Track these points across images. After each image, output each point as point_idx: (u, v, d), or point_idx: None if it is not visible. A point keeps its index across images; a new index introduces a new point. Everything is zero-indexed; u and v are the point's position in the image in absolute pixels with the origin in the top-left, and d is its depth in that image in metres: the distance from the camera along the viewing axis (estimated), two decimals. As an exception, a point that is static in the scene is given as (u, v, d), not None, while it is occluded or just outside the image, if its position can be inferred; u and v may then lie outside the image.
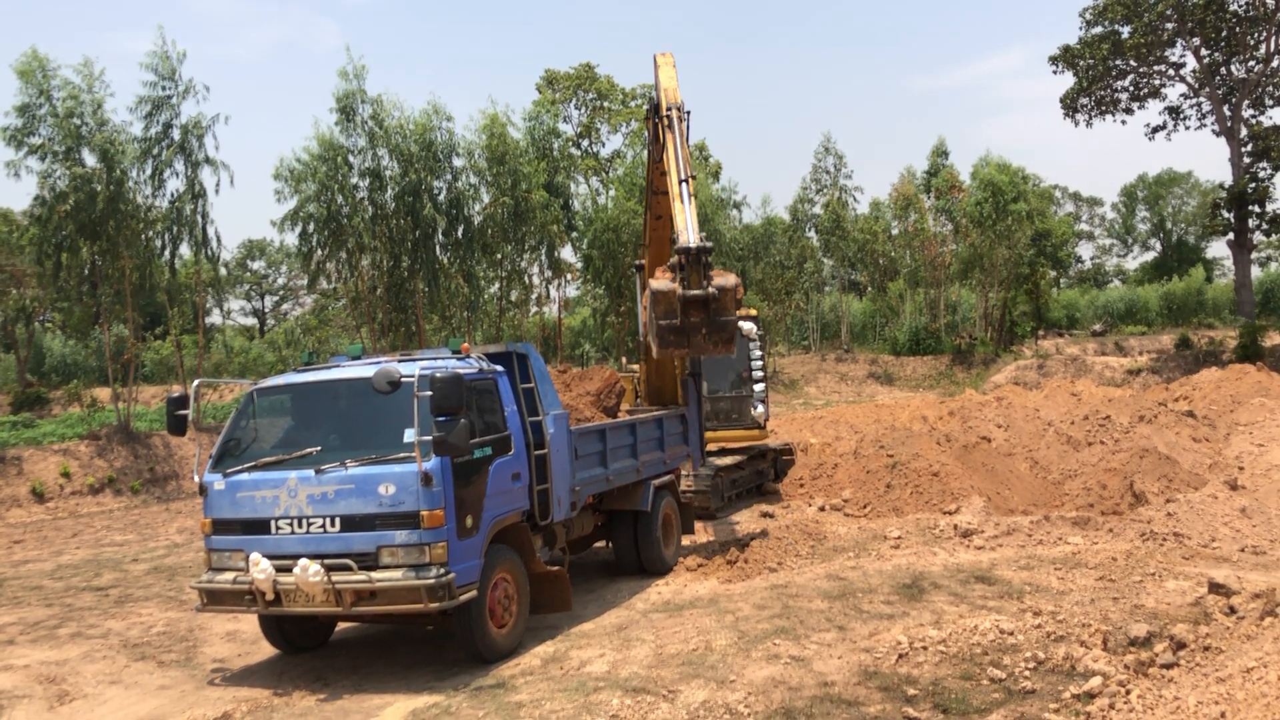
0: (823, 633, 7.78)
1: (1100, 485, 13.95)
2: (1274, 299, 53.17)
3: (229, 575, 8.01)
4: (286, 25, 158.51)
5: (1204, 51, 43.40)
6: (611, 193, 40.71)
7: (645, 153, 12.30)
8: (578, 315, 51.91)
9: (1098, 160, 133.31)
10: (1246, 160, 42.47)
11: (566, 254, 37.50)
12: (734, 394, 16.45)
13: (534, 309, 39.00)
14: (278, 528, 7.82)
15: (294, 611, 7.87)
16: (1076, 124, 48.19)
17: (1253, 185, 41.93)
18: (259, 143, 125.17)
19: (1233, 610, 7.18)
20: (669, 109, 11.15)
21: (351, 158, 28.08)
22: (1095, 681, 6.48)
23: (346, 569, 7.59)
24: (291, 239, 29.43)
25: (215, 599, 8.10)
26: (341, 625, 9.64)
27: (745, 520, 14.65)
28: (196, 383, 11.34)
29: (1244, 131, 42.75)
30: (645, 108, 11.25)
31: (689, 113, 11.41)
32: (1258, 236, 44.16)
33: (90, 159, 23.37)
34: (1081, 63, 44.76)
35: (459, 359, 8.66)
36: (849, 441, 20.03)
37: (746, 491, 16.66)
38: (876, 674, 6.89)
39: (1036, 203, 52.91)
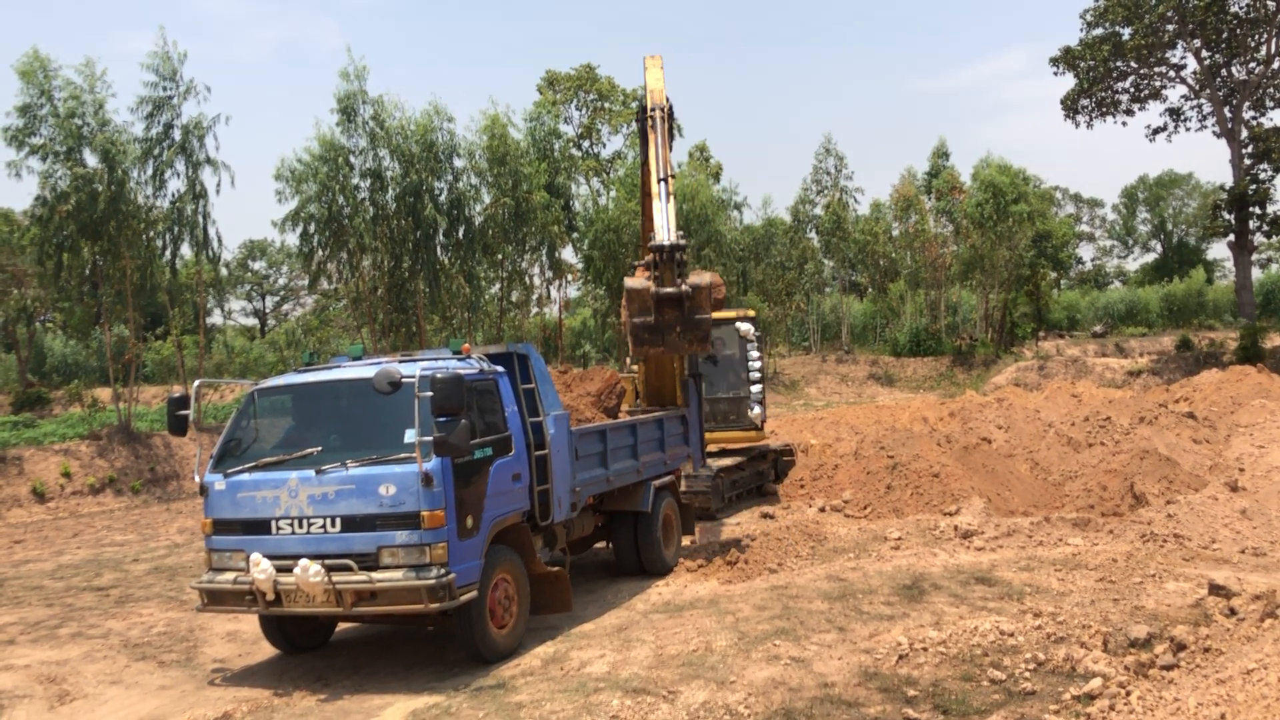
0: (823, 634, 7.78)
1: (1101, 487, 13.94)
2: (1275, 300, 53.17)
3: (229, 575, 8.01)
4: (288, 25, 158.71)
5: (1205, 53, 43.42)
6: (612, 193, 40.74)
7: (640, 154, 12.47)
8: (578, 316, 51.92)
9: (1098, 162, 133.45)
10: (1247, 162, 42.49)
11: (567, 255, 37.56)
12: (731, 395, 16.44)
13: (535, 310, 39.03)
14: (278, 528, 7.83)
15: (294, 612, 7.88)
16: (1077, 125, 48.25)
17: (1253, 187, 41.94)
18: (260, 143, 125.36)
19: (1233, 612, 7.19)
20: (652, 109, 11.27)
21: (352, 158, 28.09)
22: (1095, 683, 6.48)
23: (347, 569, 7.59)
24: (292, 239, 29.43)
25: (216, 599, 8.11)
26: (342, 625, 9.64)
27: (745, 521, 14.65)
28: (197, 383, 11.35)
29: (1244, 133, 42.77)
30: (636, 109, 11.48)
31: (673, 113, 11.61)
32: (1258, 238, 44.19)
33: (91, 159, 23.40)
34: (1082, 64, 44.79)
35: (460, 359, 8.66)
36: (849, 443, 20.03)
37: (747, 492, 16.66)
38: (877, 675, 6.90)
39: (1037, 204, 52.92)
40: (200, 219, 26.01)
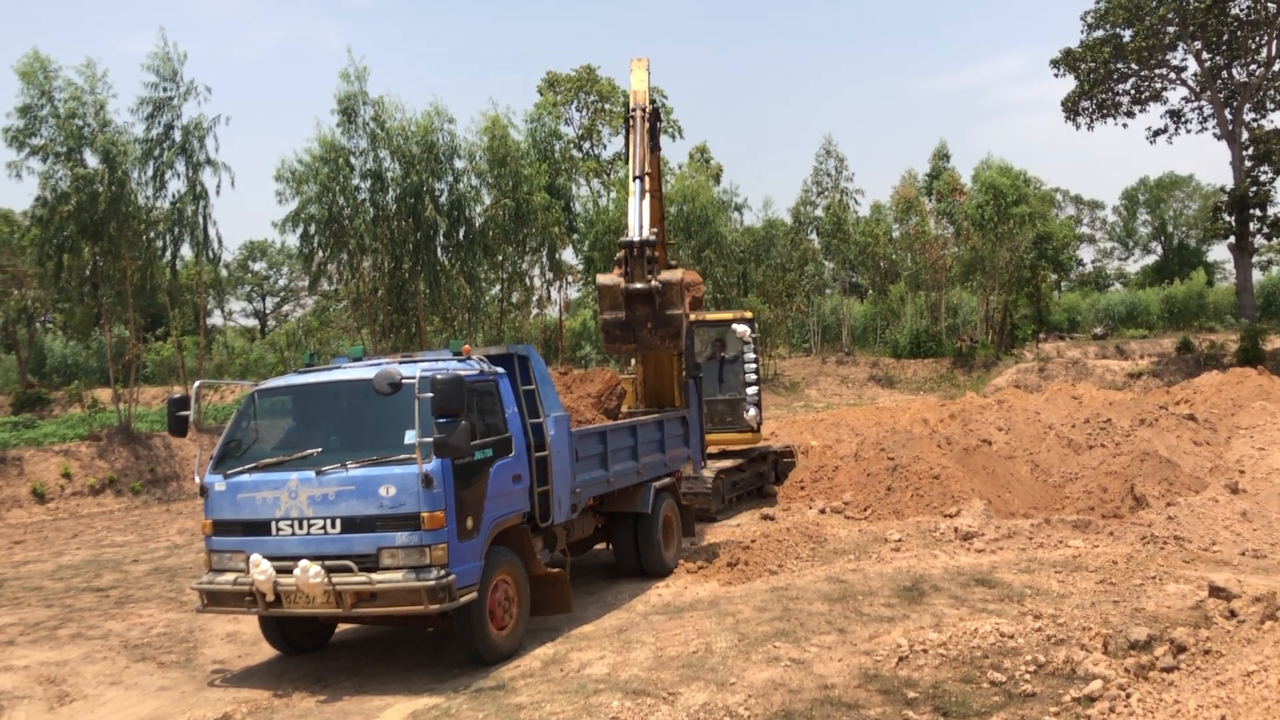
0: (823, 635, 7.78)
1: (1101, 488, 13.94)
2: (1275, 302, 53.15)
3: (229, 576, 8.01)
4: (289, 26, 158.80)
5: (1205, 55, 43.43)
6: (613, 195, 40.73)
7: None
8: (579, 317, 51.91)
9: (1099, 163, 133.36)
10: (1248, 164, 42.50)
11: (568, 256, 37.56)
12: (728, 397, 16.44)
13: (535, 311, 39.03)
14: (278, 529, 7.83)
15: (294, 613, 7.88)
16: (1078, 127, 48.24)
17: (1254, 189, 41.95)
18: (261, 144, 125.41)
19: (1233, 614, 7.19)
20: (633, 109, 11.39)
21: (353, 159, 28.09)
22: (1096, 685, 6.48)
23: (347, 570, 7.59)
24: (293, 240, 29.43)
25: (216, 600, 8.11)
26: (342, 627, 9.63)
27: (746, 523, 14.65)
28: (197, 384, 11.36)
29: (1245, 135, 42.77)
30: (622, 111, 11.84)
31: (659, 115, 11.89)
32: (1259, 240, 44.20)
33: (92, 160, 23.39)
34: (1083, 66, 44.80)
35: (460, 361, 8.66)
36: (849, 444, 20.02)
37: (747, 494, 16.66)
38: (877, 677, 6.89)
39: (1038, 206, 52.91)
40: (200, 220, 26.01)
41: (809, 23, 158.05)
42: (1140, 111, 46.51)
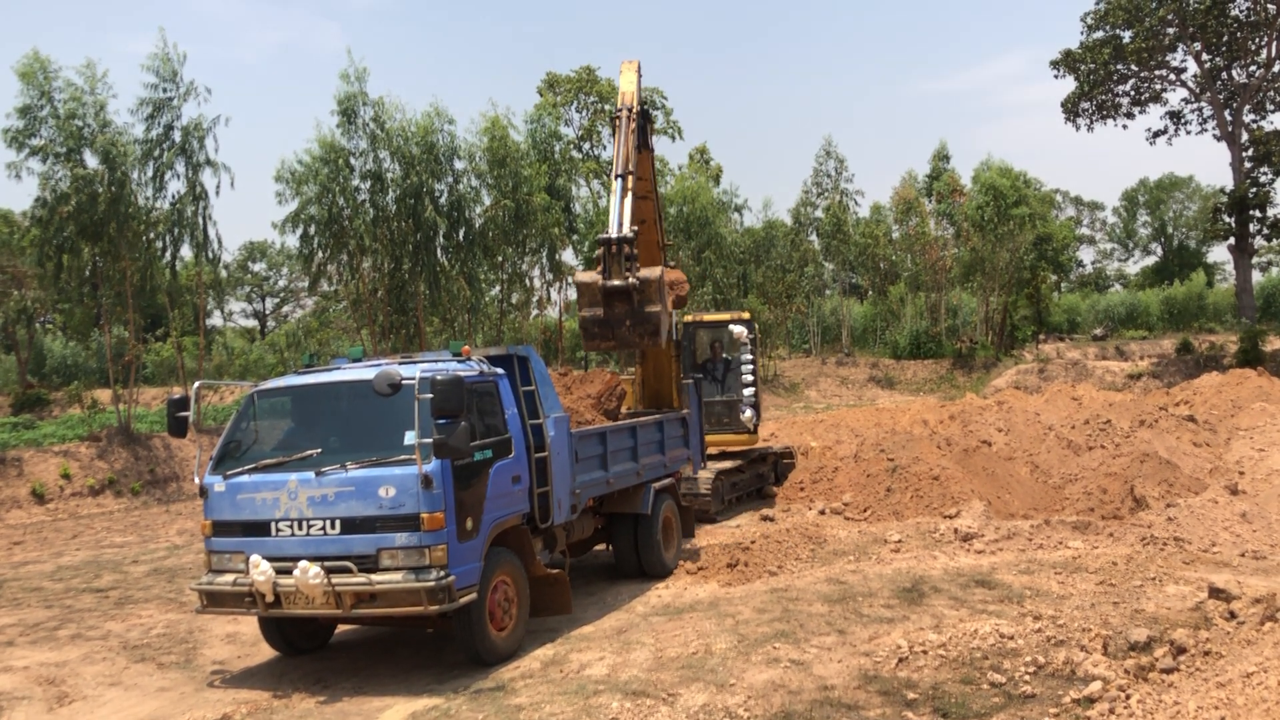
0: (823, 636, 7.78)
1: (1101, 490, 13.94)
2: (1275, 304, 53.16)
3: (229, 577, 8.01)
4: (289, 27, 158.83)
5: (1205, 56, 43.43)
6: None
7: None
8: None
9: (1099, 164, 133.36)
10: (1247, 165, 42.49)
11: (568, 257, 37.51)
12: (725, 398, 16.44)
13: (535, 312, 39.02)
14: (278, 530, 7.83)
15: (294, 614, 7.87)
16: (1078, 128, 48.23)
17: (1254, 190, 41.95)
18: (261, 144, 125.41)
19: (1233, 615, 7.19)
20: (619, 110, 11.48)
21: (353, 160, 28.08)
22: (1095, 686, 6.48)
23: (346, 571, 7.59)
24: (292, 241, 29.41)
25: (215, 601, 8.11)
26: (341, 627, 9.63)
27: (745, 524, 14.65)
28: (197, 384, 11.36)
29: (1245, 136, 42.77)
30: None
31: (648, 116, 12.10)
32: (1259, 241, 44.18)
33: (92, 160, 23.38)
34: (1083, 67, 44.80)
35: (460, 361, 8.66)
36: (849, 445, 20.02)
37: (747, 495, 16.65)
38: (876, 678, 6.89)
39: (1038, 207, 52.92)
40: (200, 220, 26.00)
41: (809, 23, 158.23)
42: (1140, 113, 46.54)
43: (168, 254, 26.24)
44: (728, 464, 15.77)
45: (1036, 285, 48.64)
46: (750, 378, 16.26)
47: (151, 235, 25.25)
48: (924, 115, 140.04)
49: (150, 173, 25.08)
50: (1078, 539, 10.85)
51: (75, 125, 22.97)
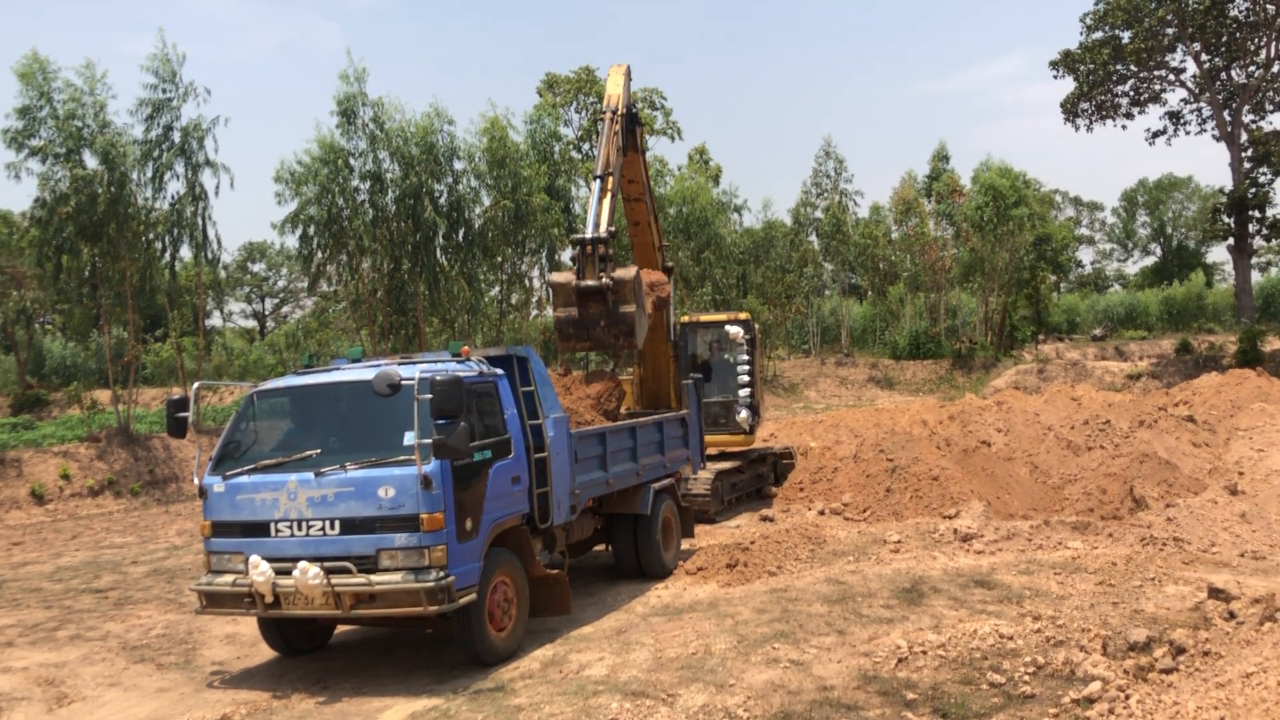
0: (822, 637, 7.78)
1: (1100, 490, 13.94)
2: (1274, 304, 53.18)
3: (228, 578, 8.01)
4: (289, 27, 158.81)
5: (1204, 57, 43.44)
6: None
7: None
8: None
9: (1098, 165, 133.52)
10: (1247, 165, 42.50)
11: (567, 257, 37.51)
12: (722, 399, 16.45)
13: (535, 312, 39.00)
14: (277, 530, 7.83)
15: (293, 614, 7.87)
16: (1077, 129, 48.21)
17: (1253, 190, 41.95)
18: (260, 145, 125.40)
19: (1232, 615, 7.19)
20: (604, 111, 11.57)
21: (352, 160, 28.06)
22: (1095, 686, 6.48)
23: (346, 572, 7.59)
24: (292, 241, 29.38)
25: (214, 601, 8.11)
26: (341, 628, 9.63)
27: (745, 524, 14.65)
28: (196, 385, 11.36)
29: (1244, 136, 42.78)
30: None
31: (637, 119, 12.30)
32: (1258, 241, 44.19)
33: (91, 161, 23.38)
34: (1082, 68, 44.80)
35: (459, 362, 8.66)
36: (849, 445, 20.02)
37: (746, 495, 16.65)
38: (876, 678, 6.89)
39: (1037, 207, 52.94)
40: (200, 221, 26.01)
41: (809, 24, 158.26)
42: (1139, 113, 46.54)
43: (167, 254, 26.26)
44: (727, 464, 15.77)
45: (1036, 285, 48.64)
46: (746, 378, 16.25)
47: (151, 236, 25.25)
48: (923, 115, 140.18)
49: (150, 173, 25.09)
50: (1077, 539, 10.85)
51: (74, 126, 22.97)
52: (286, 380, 8.85)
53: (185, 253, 27.11)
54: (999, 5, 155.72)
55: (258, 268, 71.05)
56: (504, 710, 6.75)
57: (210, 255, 26.82)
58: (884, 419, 26.77)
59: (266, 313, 72.31)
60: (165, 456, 23.20)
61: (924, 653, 7.19)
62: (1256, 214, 42.16)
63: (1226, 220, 42.75)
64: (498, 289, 34.19)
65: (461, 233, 30.30)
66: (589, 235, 10.61)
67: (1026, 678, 6.79)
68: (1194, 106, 45.81)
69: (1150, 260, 77.82)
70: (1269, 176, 42.24)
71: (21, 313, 37.50)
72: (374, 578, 7.54)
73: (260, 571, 7.66)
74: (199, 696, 8.05)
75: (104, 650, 9.49)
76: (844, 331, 51.21)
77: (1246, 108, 43.19)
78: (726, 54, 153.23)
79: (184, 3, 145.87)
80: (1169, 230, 77.34)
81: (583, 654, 7.99)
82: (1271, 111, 44.06)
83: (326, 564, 7.60)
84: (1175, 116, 46.63)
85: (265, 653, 9.16)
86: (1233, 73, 43.90)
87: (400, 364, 8.37)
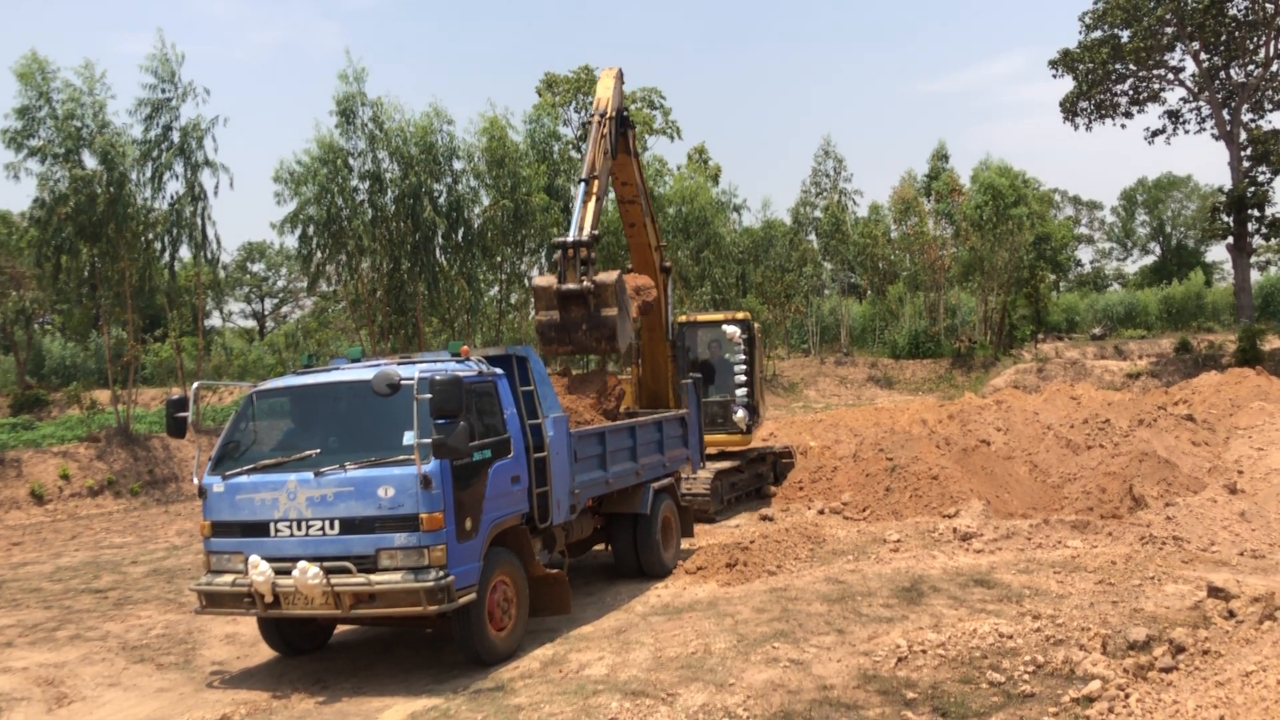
0: (822, 636, 7.78)
1: (1099, 489, 13.95)
2: (1273, 303, 53.22)
3: (228, 578, 8.01)
4: (288, 27, 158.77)
5: (1203, 56, 43.46)
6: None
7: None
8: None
9: (1097, 164, 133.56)
10: (1246, 164, 42.52)
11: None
12: (720, 398, 16.45)
13: (534, 312, 38.96)
14: (277, 530, 7.82)
15: (293, 614, 7.87)
16: (1076, 128, 48.24)
17: (1252, 189, 41.97)
18: (259, 145, 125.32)
19: (1232, 614, 7.19)
20: (593, 114, 11.62)
21: (351, 160, 28.05)
22: (1094, 685, 6.48)
23: (345, 571, 7.59)
24: (291, 241, 29.46)
25: (214, 601, 8.10)
26: (340, 628, 9.63)
27: (744, 523, 14.65)
28: (196, 385, 11.34)
29: (1243, 135, 42.80)
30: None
31: (629, 123, 12.32)
32: (1257, 240, 44.23)
33: (90, 161, 23.37)
34: (1081, 67, 44.81)
35: (458, 362, 8.65)
36: (848, 445, 20.02)
37: (746, 495, 16.65)
38: (875, 677, 6.89)
39: (1036, 206, 52.94)
40: (199, 221, 25.99)
41: (808, 24, 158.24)
42: (1138, 112, 46.57)
43: (166, 254, 26.24)
44: (726, 464, 15.77)
45: (1035, 285, 48.68)
46: (744, 378, 16.25)
47: (150, 236, 25.24)
48: (923, 115, 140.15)
49: (149, 173, 25.07)
50: (1076, 538, 10.85)
51: (74, 126, 22.95)
52: (286, 380, 8.85)
53: (185, 253, 27.12)
54: (998, 5, 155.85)
55: (257, 268, 71.07)
56: (504, 710, 6.75)
57: (209, 255, 26.82)
58: (883, 418, 26.78)
59: (266, 313, 72.31)
60: (165, 456, 23.19)
61: (924, 652, 7.20)
62: (1255, 213, 42.18)
63: (1225, 219, 42.78)
64: (497, 289, 34.19)
65: (461, 233, 30.29)
66: (570, 239, 10.61)
67: (1026, 677, 6.79)
68: (1193, 105, 45.87)
69: (1149, 259, 77.92)
70: (1268, 175, 42.27)
71: (21, 313, 37.48)
72: (374, 577, 7.54)
73: (260, 571, 7.66)
74: (199, 696, 8.05)
75: (104, 650, 9.49)
76: (843, 331, 51.22)
77: (1245, 107, 43.22)
78: (726, 53, 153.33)
79: (183, 3, 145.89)
80: (1168, 229, 77.39)
81: (582, 653, 7.99)
82: (1270, 110, 44.11)
83: (326, 564, 7.59)
84: (1174, 115, 46.66)
85: (265, 653, 9.16)
86: (1232, 72, 43.93)
87: (400, 364, 8.36)
